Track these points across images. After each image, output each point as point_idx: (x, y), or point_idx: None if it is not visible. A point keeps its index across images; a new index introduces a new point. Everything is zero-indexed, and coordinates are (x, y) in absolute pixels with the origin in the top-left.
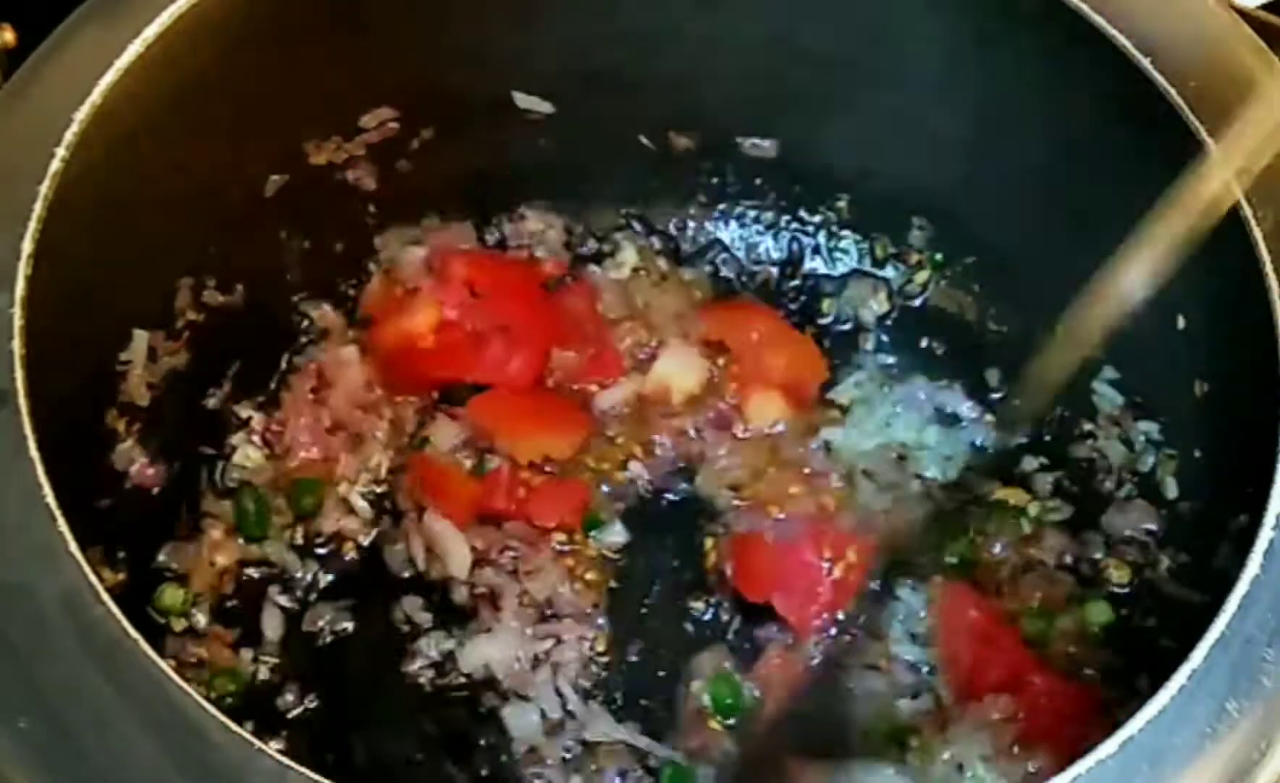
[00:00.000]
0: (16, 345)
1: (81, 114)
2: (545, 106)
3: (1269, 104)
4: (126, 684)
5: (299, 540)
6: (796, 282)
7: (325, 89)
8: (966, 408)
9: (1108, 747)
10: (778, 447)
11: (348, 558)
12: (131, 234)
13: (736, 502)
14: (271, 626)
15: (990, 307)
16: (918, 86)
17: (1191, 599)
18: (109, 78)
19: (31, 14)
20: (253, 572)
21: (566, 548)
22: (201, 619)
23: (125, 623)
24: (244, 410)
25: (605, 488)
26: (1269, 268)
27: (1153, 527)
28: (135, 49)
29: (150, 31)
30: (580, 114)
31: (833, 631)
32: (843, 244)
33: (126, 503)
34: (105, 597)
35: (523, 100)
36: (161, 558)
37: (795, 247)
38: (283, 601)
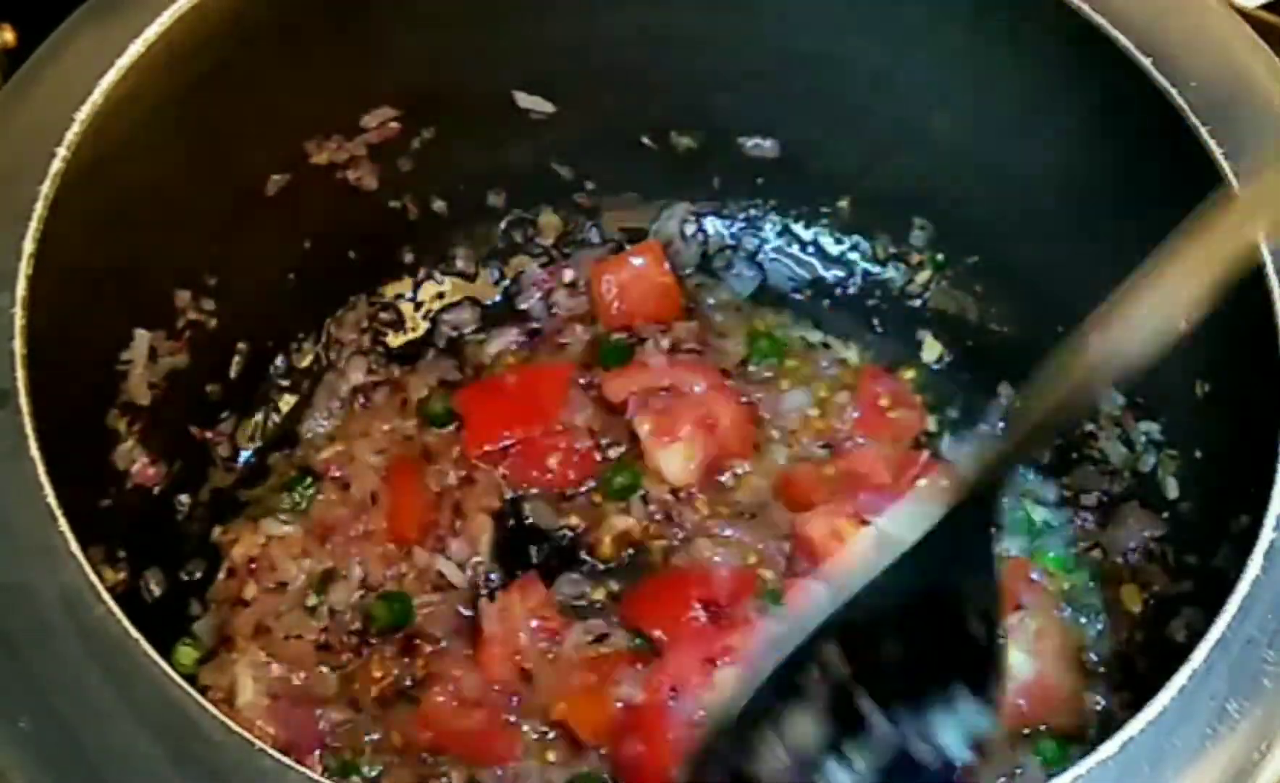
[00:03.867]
0: (18, 345)
1: (82, 114)
2: (547, 106)
3: None
4: (127, 684)
5: None
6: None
7: (326, 88)
8: None
9: (1108, 747)
10: None
11: None
12: (132, 234)
13: None
14: None
15: (991, 307)
16: (918, 87)
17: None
18: (110, 77)
19: (32, 14)
20: None
21: None
22: None
23: (126, 623)
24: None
25: None
26: (1270, 268)
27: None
28: (136, 49)
29: (151, 31)
30: (582, 114)
31: None
32: (844, 244)
33: (127, 502)
34: (106, 596)
35: (524, 100)
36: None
37: (797, 247)
38: None
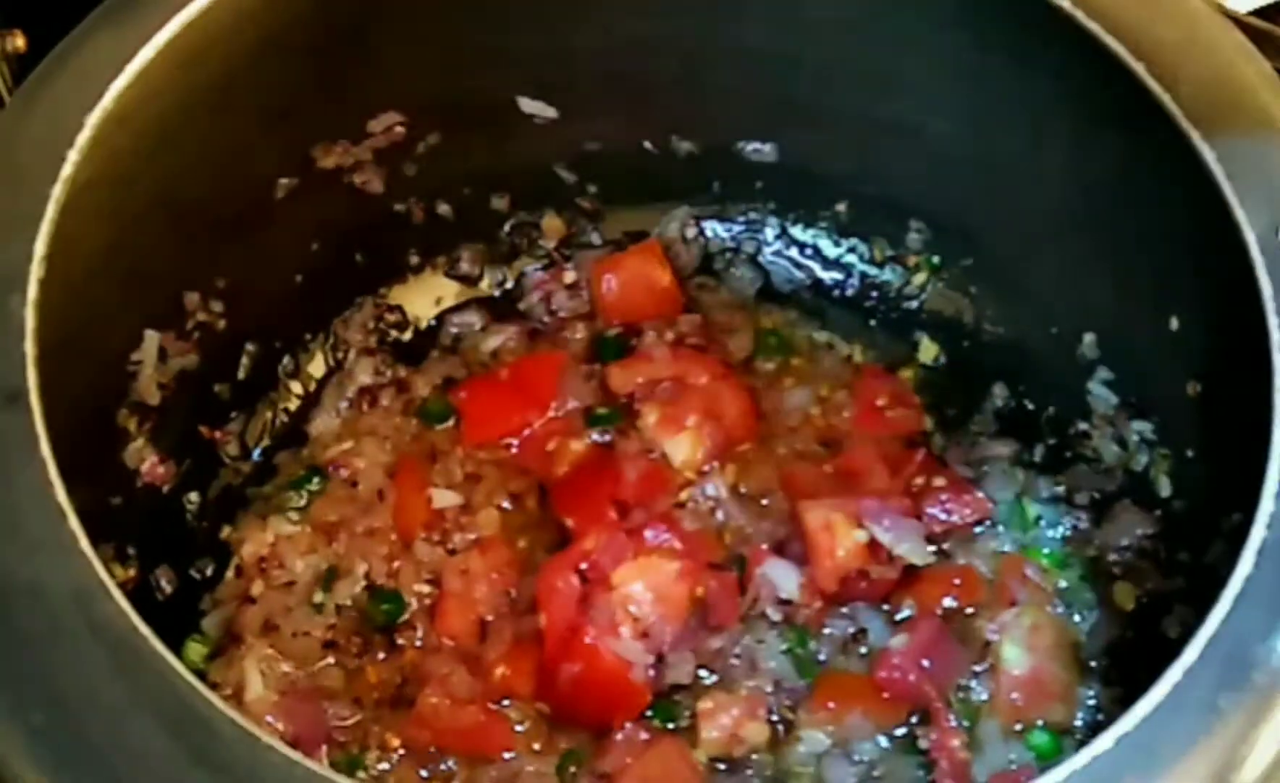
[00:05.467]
0: (29, 346)
1: (93, 118)
2: (550, 111)
3: None
4: (138, 681)
5: None
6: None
7: (333, 94)
8: None
9: (1102, 742)
10: None
11: None
12: (142, 236)
13: None
14: None
15: (986, 308)
16: (915, 92)
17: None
18: (121, 82)
19: (43, 19)
20: None
21: None
22: None
23: (136, 619)
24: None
25: None
26: (1261, 269)
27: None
28: (147, 54)
29: (161, 37)
30: (584, 119)
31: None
32: (842, 247)
33: (137, 501)
34: (116, 593)
35: (527, 105)
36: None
37: (795, 249)
38: None
